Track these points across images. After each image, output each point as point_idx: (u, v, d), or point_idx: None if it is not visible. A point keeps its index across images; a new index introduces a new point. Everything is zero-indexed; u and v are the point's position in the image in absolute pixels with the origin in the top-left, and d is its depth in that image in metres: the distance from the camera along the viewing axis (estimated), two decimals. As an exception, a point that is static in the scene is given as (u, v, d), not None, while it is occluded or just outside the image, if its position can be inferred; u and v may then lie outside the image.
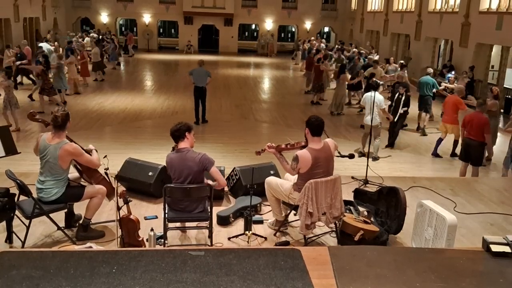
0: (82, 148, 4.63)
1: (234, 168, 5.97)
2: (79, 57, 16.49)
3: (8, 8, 21.86)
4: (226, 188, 5.90)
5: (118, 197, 4.31)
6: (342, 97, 13.50)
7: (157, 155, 7.68)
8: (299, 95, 16.51)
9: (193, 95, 11.70)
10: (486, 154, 8.91)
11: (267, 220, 5.24)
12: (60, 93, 13.53)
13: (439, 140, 9.71)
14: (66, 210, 4.78)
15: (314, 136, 4.52)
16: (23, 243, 4.39)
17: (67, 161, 4.45)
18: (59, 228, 4.56)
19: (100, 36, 24.12)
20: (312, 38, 27.53)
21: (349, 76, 14.37)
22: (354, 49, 20.65)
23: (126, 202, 4.37)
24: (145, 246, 4.37)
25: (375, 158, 9.14)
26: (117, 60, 22.32)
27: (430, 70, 12.49)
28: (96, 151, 4.80)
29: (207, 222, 4.51)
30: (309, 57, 17.82)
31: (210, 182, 4.47)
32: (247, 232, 4.63)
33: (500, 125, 13.03)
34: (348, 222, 4.68)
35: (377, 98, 8.71)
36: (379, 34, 26.05)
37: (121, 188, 5.05)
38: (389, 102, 10.66)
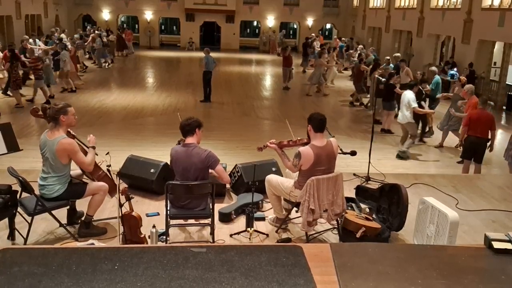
0: (86, 146, 4.64)
1: (236, 165, 5.97)
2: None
3: (10, 5, 21.83)
4: (228, 185, 5.91)
5: (120, 194, 4.31)
6: (319, 76, 15.47)
7: (159, 152, 7.68)
8: (302, 92, 16.47)
9: (202, 79, 14.22)
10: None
11: (268, 217, 5.25)
12: (49, 87, 13.60)
13: None
14: (68, 207, 4.79)
15: (317, 132, 4.52)
16: (25, 240, 4.40)
17: (65, 156, 4.43)
18: (61, 225, 4.57)
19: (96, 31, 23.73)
20: (313, 34, 27.41)
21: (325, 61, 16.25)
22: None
23: (128, 199, 4.37)
24: (147, 243, 4.38)
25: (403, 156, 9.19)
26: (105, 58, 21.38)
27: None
28: (94, 148, 4.63)
29: (209, 219, 4.52)
30: (284, 51, 17.37)
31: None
32: (249, 229, 4.64)
33: (503, 122, 13.01)
34: (350, 219, 4.69)
35: (406, 97, 8.94)
36: (381, 30, 25.96)
37: (123, 185, 5.06)
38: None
